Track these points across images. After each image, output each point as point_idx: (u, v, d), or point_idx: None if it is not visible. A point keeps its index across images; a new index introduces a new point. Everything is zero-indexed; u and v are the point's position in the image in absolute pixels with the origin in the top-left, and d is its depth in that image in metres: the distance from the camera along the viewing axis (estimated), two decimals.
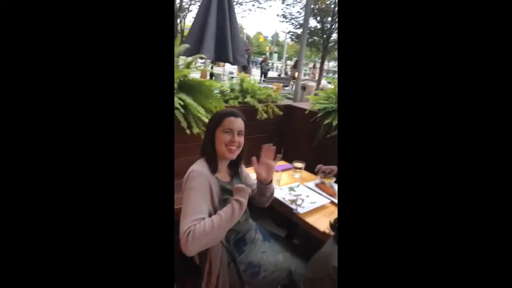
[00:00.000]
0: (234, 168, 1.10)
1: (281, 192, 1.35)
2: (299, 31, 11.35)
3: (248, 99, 1.93)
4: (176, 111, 1.50)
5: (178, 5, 10.82)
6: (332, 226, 0.88)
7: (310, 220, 1.18)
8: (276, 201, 1.27)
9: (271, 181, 1.08)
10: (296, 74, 3.65)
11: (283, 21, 12.48)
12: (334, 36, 10.93)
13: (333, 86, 2.09)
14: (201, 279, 1.02)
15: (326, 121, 1.86)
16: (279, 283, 1.04)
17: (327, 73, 14.53)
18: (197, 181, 0.91)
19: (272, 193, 1.14)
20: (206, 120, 1.41)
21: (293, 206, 1.24)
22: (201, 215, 0.85)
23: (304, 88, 2.77)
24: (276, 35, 27.73)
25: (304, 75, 12.44)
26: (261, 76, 10.73)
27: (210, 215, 0.88)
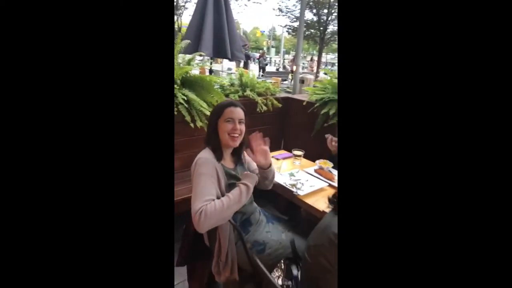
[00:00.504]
0: (237, 155, 1.19)
1: (282, 178, 1.44)
2: (296, 24, 11.34)
3: (248, 92, 2.01)
4: (180, 106, 1.58)
5: (174, 3, 10.83)
6: (330, 200, 0.97)
7: (310, 201, 1.27)
8: (278, 185, 1.36)
9: (270, 165, 1.17)
10: (294, 67, 3.72)
11: (279, 15, 12.49)
12: (331, 28, 10.95)
13: (329, 77, 2.17)
14: (211, 260, 1.10)
15: (323, 111, 1.94)
16: (283, 258, 1.13)
17: (325, 65, 14.51)
18: (205, 167, 1.00)
19: (273, 175, 1.23)
20: (209, 114, 1.48)
21: (294, 189, 1.33)
22: (210, 197, 0.94)
23: (302, 81, 2.85)
24: (273, 29, 27.57)
25: (302, 68, 12.44)
26: (259, 71, 10.76)
27: (218, 198, 0.97)
